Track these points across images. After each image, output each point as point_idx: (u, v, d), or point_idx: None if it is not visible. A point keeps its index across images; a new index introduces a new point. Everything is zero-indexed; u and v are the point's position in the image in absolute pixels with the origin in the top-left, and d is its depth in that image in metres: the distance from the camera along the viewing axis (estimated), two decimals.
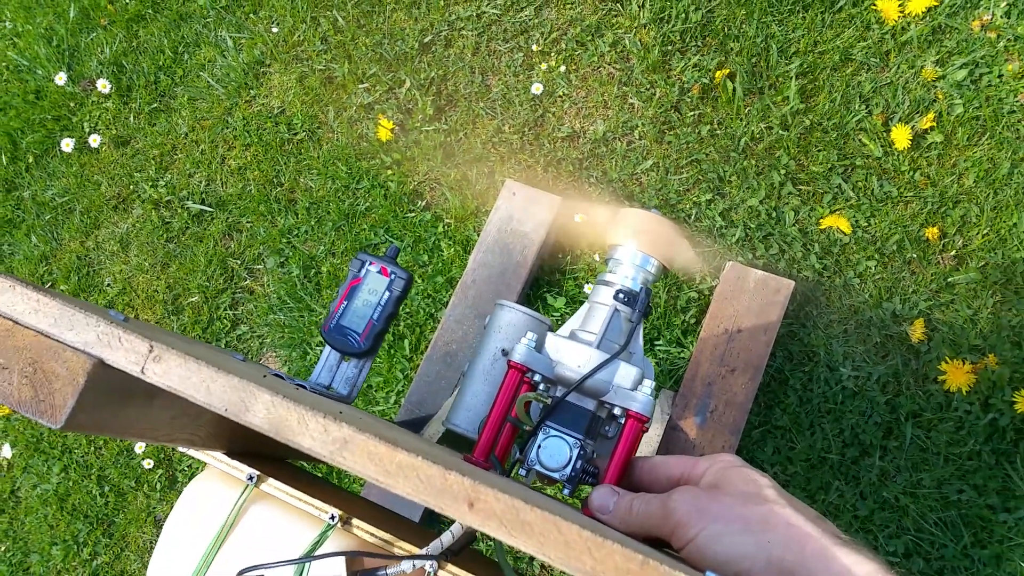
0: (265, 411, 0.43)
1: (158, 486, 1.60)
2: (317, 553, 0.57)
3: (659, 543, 0.51)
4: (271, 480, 0.63)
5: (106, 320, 0.47)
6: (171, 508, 0.65)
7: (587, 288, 1.45)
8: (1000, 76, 1.37)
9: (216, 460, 0.65)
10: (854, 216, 1.37)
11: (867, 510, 1.27)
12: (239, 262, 1.65)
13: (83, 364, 0.47)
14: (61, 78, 1.87)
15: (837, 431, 1.31)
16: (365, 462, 0.42)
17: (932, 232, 1.33)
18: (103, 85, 1.83)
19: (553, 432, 0.59)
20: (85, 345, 0.47)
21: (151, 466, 1.60)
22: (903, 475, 1.27)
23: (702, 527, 0.43)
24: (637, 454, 0.59)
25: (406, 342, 1.50)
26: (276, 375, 0.67)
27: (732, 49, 1.47)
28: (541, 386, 0.61)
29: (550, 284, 1.47)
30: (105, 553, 1.60)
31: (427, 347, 1.42)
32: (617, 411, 0.59)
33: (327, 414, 0.43)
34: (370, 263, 0.76)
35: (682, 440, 1.29)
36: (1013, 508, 1.23)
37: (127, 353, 0.47)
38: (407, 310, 1.52)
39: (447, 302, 1.45)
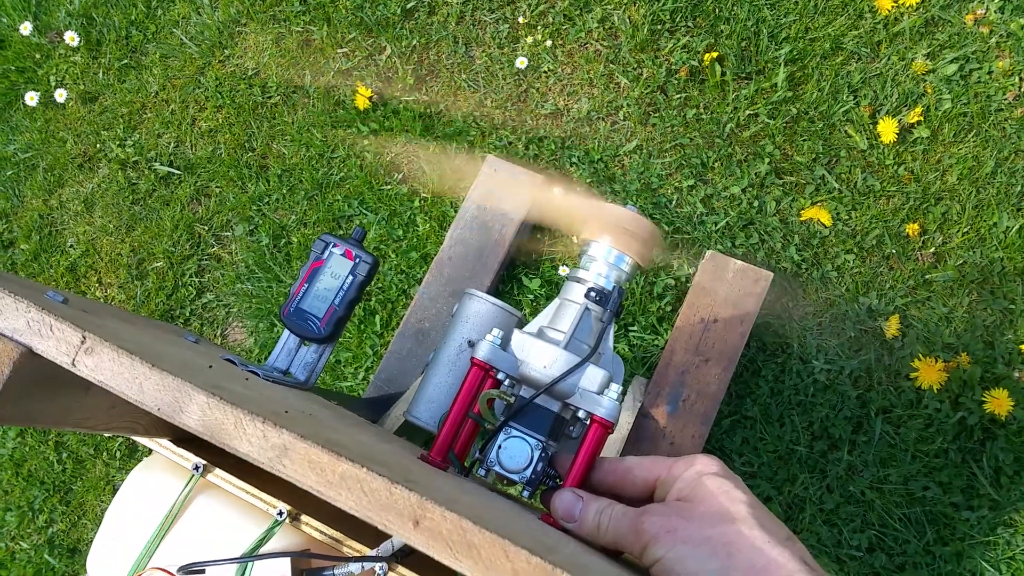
0: (200, 413, 0.40)
1: (118, 454, 1.57)
2: (262, 551, 0.55)
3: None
4: (218, 470, 0.61)
5: (38, 305, 0.44)
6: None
7: (562, 271, 1.42)
8: (990, 73, 1.35)
9: (161, 447, 0.62)
10: (835, 208, 1.36)
11: (833, 503, 1.28)
12: (206, 228, 1.60)
13: (10, 353, 0.44)
14: (26, 28, 1.78)
15: (807, 424, 1.31)
16: (306, 471, 0.39)
17: (913, 228, 1.32)
18: (71, 38, 1.74)
19: (515, 432, 0.57)
20: (13, 332, 0.44)
21: (111, 434, 1.56)
22: (870, 470, 1.28)
23: (670, 548, 0.43)
24: (602, 454, 0.57)
25: (377, 318, 1.46)
26: (228, 360, 0.64)
27: (722, 32, 1.43)
28: (506, 383, 0.59)
29: (526, 264, 1.45)
30: (61, 521, 1.57)
31: (399, 323, 1.39)
32: (582, 414, 0.57)
33: (267, 418, 0.40)
34: (334, 245, 0.73)
35: (652, 428, 1.28)
36: (976, 506, 1.24)
37: (58, 343, 0.44)
38: (379, 285, 1.48)
39: (421, 279, 1.42)
